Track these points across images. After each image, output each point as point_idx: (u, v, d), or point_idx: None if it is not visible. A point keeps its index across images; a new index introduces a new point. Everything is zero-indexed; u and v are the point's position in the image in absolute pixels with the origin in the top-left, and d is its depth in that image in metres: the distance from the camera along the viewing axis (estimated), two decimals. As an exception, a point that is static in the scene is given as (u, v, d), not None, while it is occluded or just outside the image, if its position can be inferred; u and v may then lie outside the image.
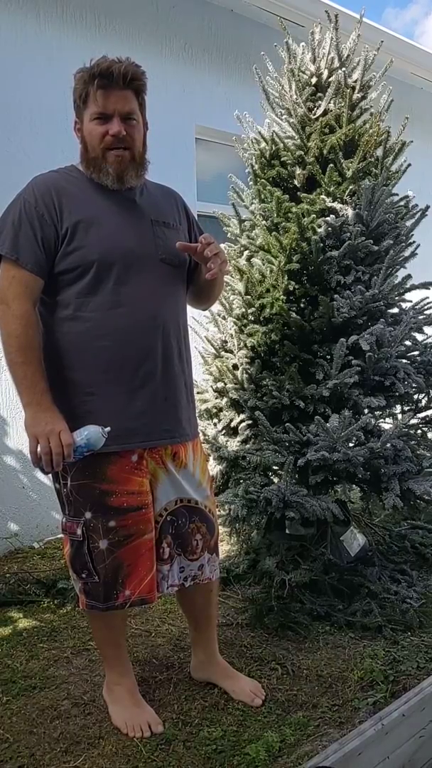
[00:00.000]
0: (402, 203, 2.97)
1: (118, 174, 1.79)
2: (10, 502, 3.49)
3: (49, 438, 1.68)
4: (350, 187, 2.83)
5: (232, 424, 2.89)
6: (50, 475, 1.86)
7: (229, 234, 3.11)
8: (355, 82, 2.95)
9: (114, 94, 1.75)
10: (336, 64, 2.98)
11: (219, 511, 2.52)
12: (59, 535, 3.36)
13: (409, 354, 2.86)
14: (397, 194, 2.97)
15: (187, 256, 1.92)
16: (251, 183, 3.04)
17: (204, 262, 1.84)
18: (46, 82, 3.51)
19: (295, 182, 2.95)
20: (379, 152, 2.91)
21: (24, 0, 3.49)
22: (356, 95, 2.94)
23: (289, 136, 2.97)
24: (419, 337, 2.94)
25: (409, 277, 2.91)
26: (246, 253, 2.94)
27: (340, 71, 2.92)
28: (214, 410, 2.99)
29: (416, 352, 2.88)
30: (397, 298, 2.89)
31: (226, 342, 3.00)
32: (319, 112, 2.95)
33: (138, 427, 1.81)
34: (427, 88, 5.95)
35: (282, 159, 2.95)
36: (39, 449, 1.70)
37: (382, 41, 3.13)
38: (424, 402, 2.94)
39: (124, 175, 1.80)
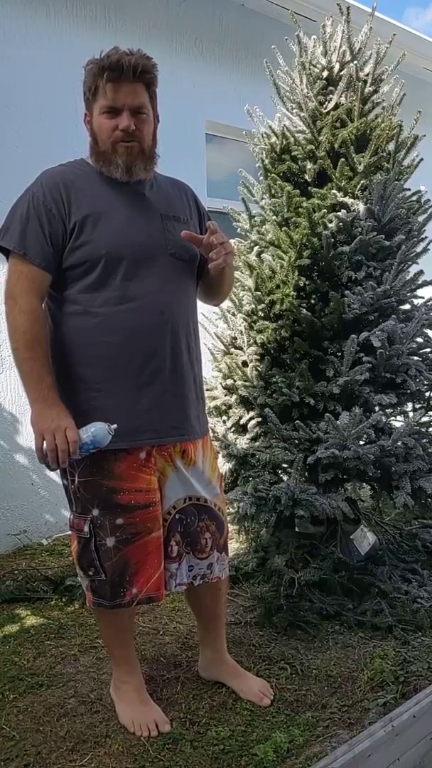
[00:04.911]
0: (414, 198, 2.94)
1: (127, 165, 1.77)
2: (18, 498, 3.49)
3: (54, 434, 1.67)
4: (362, 181, 2.80)
5: (242, 422, 2.86)
6: (59, 472, 1.85)
7: (239, 229, 3.08)
8: (367, 75, 2.92)
9: (124, 87, 1.72)
10: (348, 57, 2.94)
11: (228, 508, 2.50)
12: (68, 532, 3.33)
13: (420, 351, 2.84)
14: (409, 189, 2.94)
15: (197, 251, 1.89)
16: (261, 178, 3.01)
17: (208, 251, 1.80)
18: (55, 79, 3.50)
19: (306, 177, 2.92)
20: (391, 146, 2.88)
21: (34, -5, 3.48)
22: (368, 89, 2.91)
23: (299, 130, 2.94)
24: (431, 333, 2.91)
25: (421, 273, 2.88)
26: (256, 248, 2.91)
27: (351, 64, 2.88)
28: (224, 407, 2.96)
29: (428, 349, 2.86)
30: (408, 294, 2.87)
31: (235, 338, 2.98)
32: (331, 105, 2.92)
33: (146, 423, 1.79)
34: (439, 83, 5.90)
35: (293, 153, 2.92)
36: (45, 446, 1.68)
37: (394, 34, 3.10)
38: (435, 399, 2.91)
39: (133, 167, 1.78)
